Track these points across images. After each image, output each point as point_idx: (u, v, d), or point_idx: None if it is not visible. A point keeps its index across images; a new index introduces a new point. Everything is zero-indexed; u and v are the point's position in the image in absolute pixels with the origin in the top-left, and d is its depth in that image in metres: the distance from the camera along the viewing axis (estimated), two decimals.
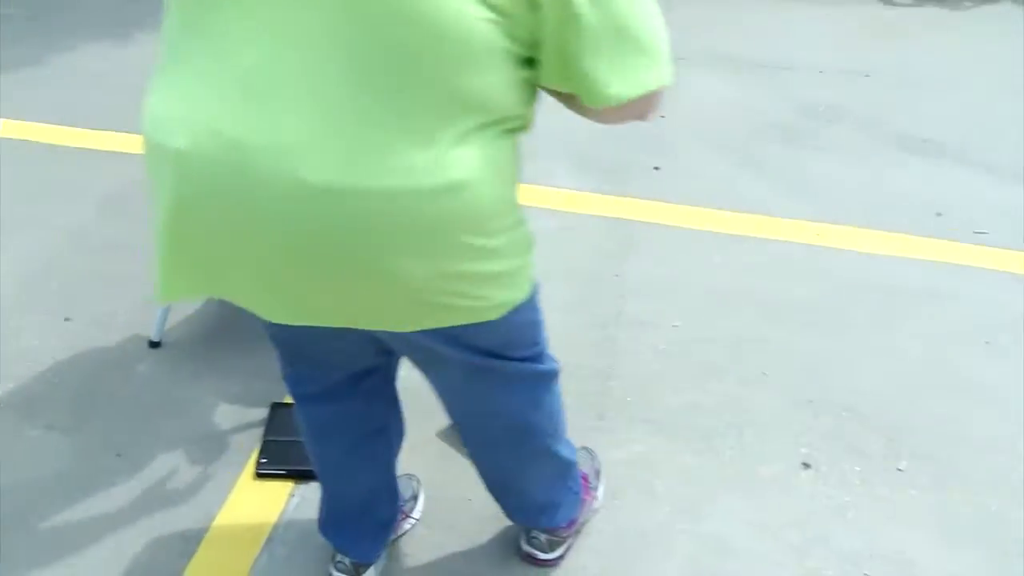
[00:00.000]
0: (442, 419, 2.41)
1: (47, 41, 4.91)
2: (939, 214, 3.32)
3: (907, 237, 3.19)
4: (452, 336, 1.45)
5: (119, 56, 4.76)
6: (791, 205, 3.36)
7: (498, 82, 1.22)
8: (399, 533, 2.08)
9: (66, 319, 2.78)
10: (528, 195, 3.34)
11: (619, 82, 1.24)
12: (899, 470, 2.28)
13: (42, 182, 3.56)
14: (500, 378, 1.60)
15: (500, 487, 1.91)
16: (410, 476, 2.18)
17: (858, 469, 2.29)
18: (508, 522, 2.11)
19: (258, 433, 2.37)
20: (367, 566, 1.95)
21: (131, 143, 3.79)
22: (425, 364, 1.61)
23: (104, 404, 2.48)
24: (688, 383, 2.56)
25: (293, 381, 1.75)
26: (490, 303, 1.37)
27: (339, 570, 1.95)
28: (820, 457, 2.32)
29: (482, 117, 1.23)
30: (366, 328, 1.39)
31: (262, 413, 2.43)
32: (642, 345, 2.68)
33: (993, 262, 3.06)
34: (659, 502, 2.20)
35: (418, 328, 1.38)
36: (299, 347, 1.64)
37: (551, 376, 1.72)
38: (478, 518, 2.14)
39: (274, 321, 1.39)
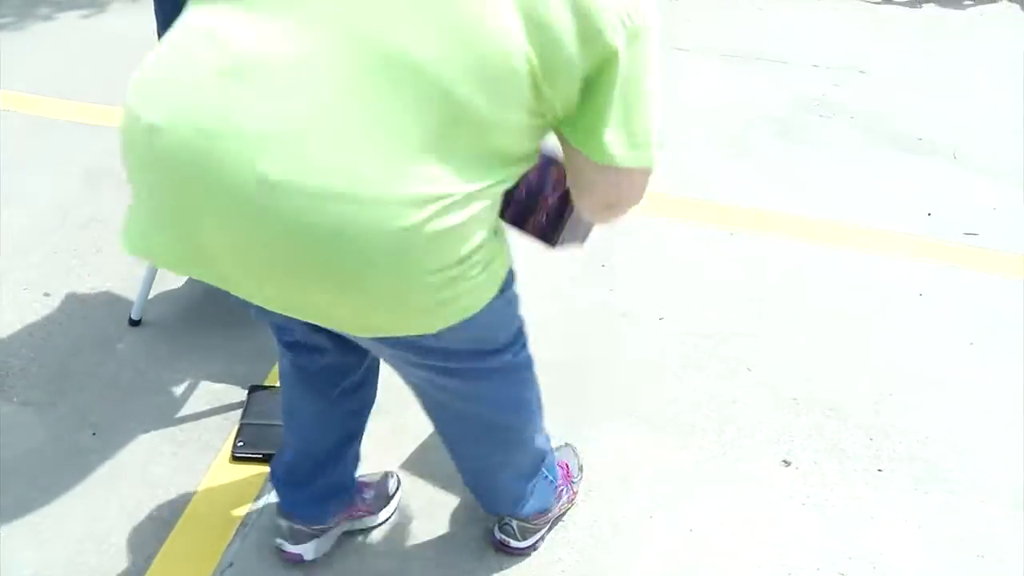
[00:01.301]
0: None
1: (23, 10, 4.85)
2: (930, 214, 3.30)
3: (897, 235, 3.17)
4: (412, 343, 1.41)
5: (97, 27, 4.71)
6: (783, 200, 3.34)
7: (506, 120, 1.22)
8: (357, 526, 2.05)
9: (45, 294, 2.75)
10: None
11: (622, 147, 1.30)
12: (879, 471, 2.27)
13: (24, 154, 3.52)
14: (473, 375, 1.58)
15: (476, 479, 1.89)
16: (390, 475, 2.14)
17: (838, 469, 2.27)
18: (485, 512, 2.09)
19: (236, 416, 2.35)
20: (307, 535, 1.93)
21: (115, 116, 3.75)
22: (391, 362, 1.59)
23: (81, 382, 2.45)
24: (671, 377, 2.54)
25: (277, 328, 1.71)
26: (455, 308, 1.33)
27: (279, 536, 1.94)
28: (801, 455, 2.31)
29: (472, 149, 1.22)
30: (315, 322, 1.36)
31: (241, 395, 2.40)
32: (626, 337, 2.66)
33: (982, 263, 3.05)
34: (636, 496, 2.18)
35: (369, 335, 1.37)
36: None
37: (525, 367, 1.69)
38: (455, 508, 2.12)
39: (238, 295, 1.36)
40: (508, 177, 1.29)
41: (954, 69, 4.39)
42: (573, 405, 2.41)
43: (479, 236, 1.27)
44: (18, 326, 2.64)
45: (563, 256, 2.97)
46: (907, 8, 5.13)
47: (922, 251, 3.10)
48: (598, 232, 3.06)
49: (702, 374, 2.55)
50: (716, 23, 4.73)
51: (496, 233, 1.36)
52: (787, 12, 4.93)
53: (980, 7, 5.21)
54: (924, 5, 5.14)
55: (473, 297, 1.34)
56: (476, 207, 1.24)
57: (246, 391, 2.40)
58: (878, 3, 5.13)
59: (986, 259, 3.07)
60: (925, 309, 2.83)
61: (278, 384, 2.27)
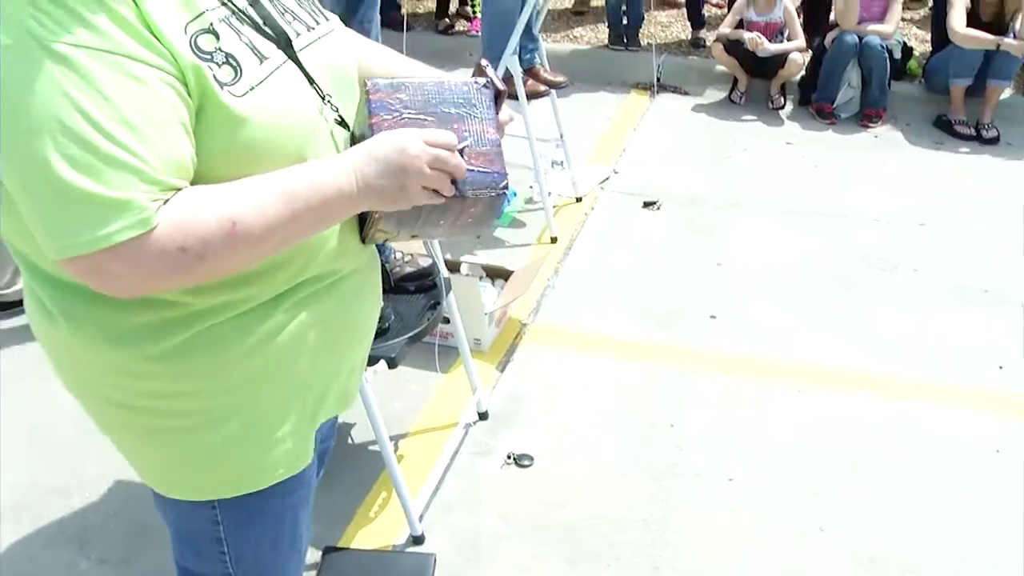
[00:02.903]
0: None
1: None
2: (1001, 367, 3.27)
3: (969, 390, 3.14)
4: None
5: None
6: (849, 356, 3.34)
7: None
8: None
9: None
10: (583, 341, 3.38)
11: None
12: None
13: None
14: None
15: None
16: None
17: None
18: None
19: None
20: None
21: None
22: None
23: (159, 540, 2.47)
24: (744, 537, 2.51)
25: None
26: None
27: None
28: None
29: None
30: None
31: (315, 556, 2.42)
32: (698, 497, 2.65)
33: None
34: None
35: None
36: None
37: None
38: None
39: None
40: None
41: (1014, 218, 4.39)
42: (648, 567, 2.39)
43: None
44: (99, 480, 2.71)
45: (632, 417, 2.99)
46: (964, 157, 5.18)
47: (996, 405, 3.06)
48: (665, 393, 3.08)
49: (774, 535, 2.52)
50: (772, 180, 4.82)
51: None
52: (842, 167, 5.00)
53: None
54: (980, 155, 5.20)
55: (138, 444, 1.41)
56: None
57: (320, 552, 2.42)
58: (935, 153, 5.19)
59: None
60: (1004, 465, 2.78)
61: (353, 546, 2.30)
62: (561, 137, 4.40)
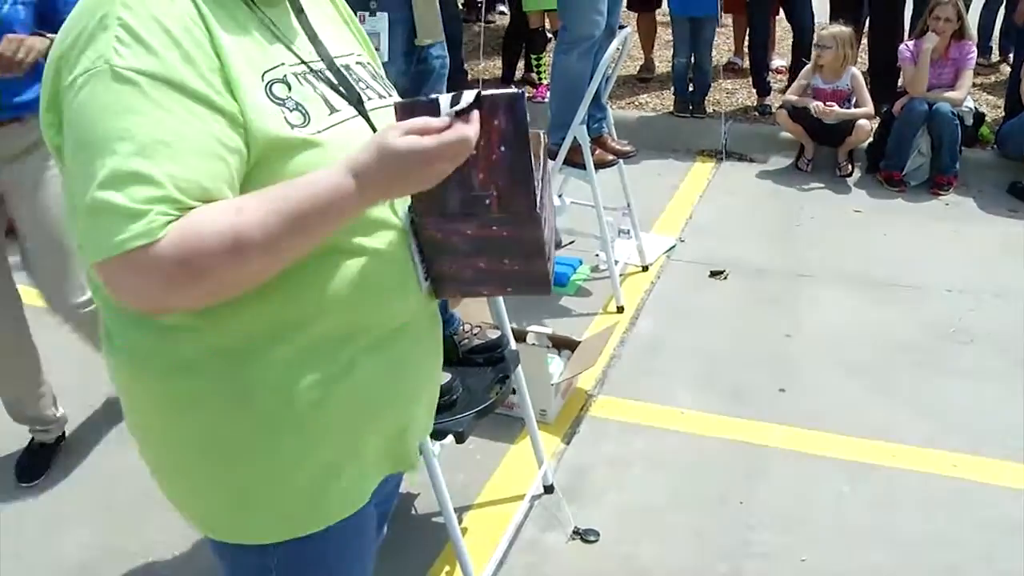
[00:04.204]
0: None
1: None
2: None
3: None
4: None
5: None
6: (924, 432, 3.25)
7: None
8: None
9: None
10: (650, 414, 3.34)
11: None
12: None
13: None
14: None
15: None
16: None
17: None
18: None
19: None
20: None
21: None
22: None
23: None
24: None
25: None
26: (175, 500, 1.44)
27: None
28: None
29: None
30: None
31: None
32: None
33: None
34: None
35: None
36: None
37: None
38: None
39: None
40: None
41: None
42: None
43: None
44: (162, 547, 2.72)
45: (701, 494, 2.93)
46: None
47: None
48: (735, 469, 3.02)
49: None
50: (841, 248, 4.73)
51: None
52: (913, 236, 4.90)
53: None
54: None
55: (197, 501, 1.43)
56: None
57: None
58: (1010, 223, 5.08)
59: None
60: None
61: None
62: (628, 206, 4.40)
